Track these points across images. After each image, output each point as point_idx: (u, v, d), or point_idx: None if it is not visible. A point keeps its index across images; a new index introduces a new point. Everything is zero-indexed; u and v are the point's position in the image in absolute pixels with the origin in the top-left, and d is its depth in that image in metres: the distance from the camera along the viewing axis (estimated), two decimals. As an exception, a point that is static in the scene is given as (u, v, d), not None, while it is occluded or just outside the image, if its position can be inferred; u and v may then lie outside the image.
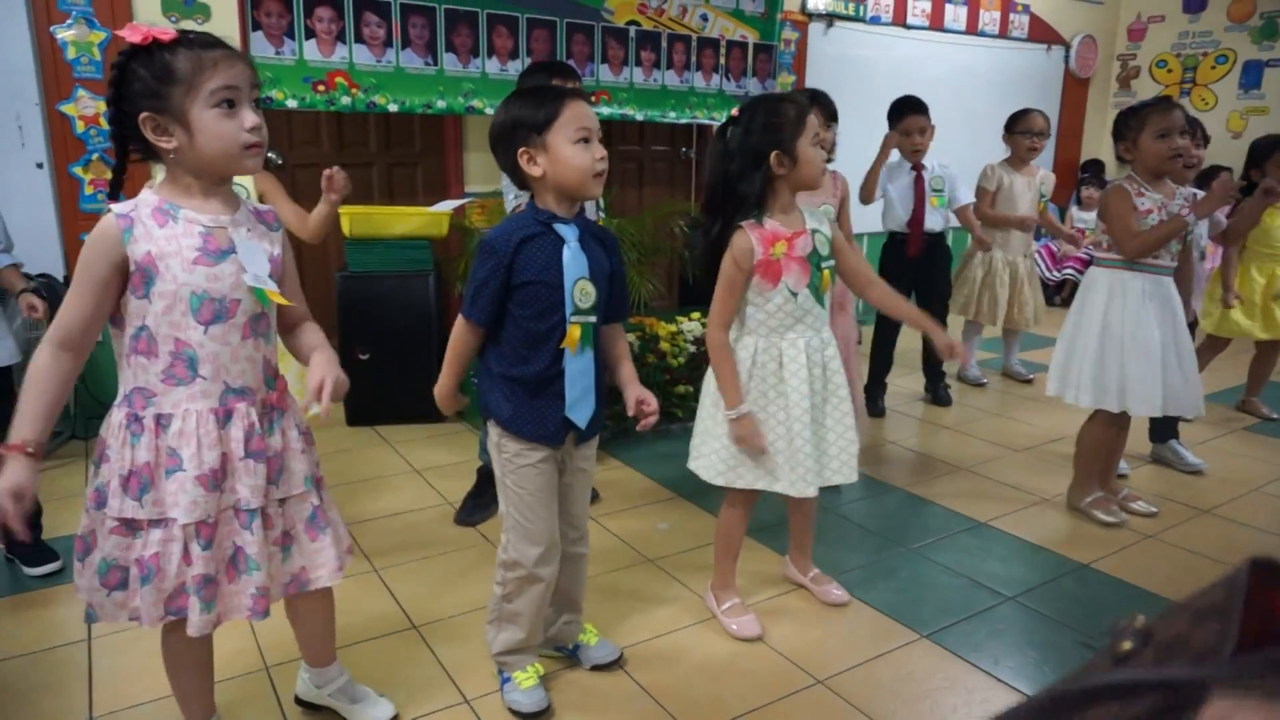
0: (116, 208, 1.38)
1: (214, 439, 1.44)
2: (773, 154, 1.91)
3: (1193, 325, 3.27)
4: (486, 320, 1.72)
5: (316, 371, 1.50)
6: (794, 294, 1.98)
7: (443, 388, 1.83)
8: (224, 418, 1.46)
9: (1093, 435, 2.84)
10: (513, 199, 2.59)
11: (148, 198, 1.40)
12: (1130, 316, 2.62)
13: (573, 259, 1.71)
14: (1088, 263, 2.97)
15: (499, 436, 1.80)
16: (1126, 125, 2.64)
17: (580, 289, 1.73)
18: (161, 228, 1.38)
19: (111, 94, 1.36)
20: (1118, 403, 2.66)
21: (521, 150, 1.67)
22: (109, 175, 3.62)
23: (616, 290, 1.84)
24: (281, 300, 1.50)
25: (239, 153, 1.39)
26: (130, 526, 1.43)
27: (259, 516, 1.49)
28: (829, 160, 2.70)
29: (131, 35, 1.34)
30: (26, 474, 1.34)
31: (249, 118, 1.38)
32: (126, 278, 1.38)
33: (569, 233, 1.72)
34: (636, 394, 1.86)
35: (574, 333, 1.73)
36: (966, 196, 4.06)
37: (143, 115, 1.34)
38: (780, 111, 1.92)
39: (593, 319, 1.76)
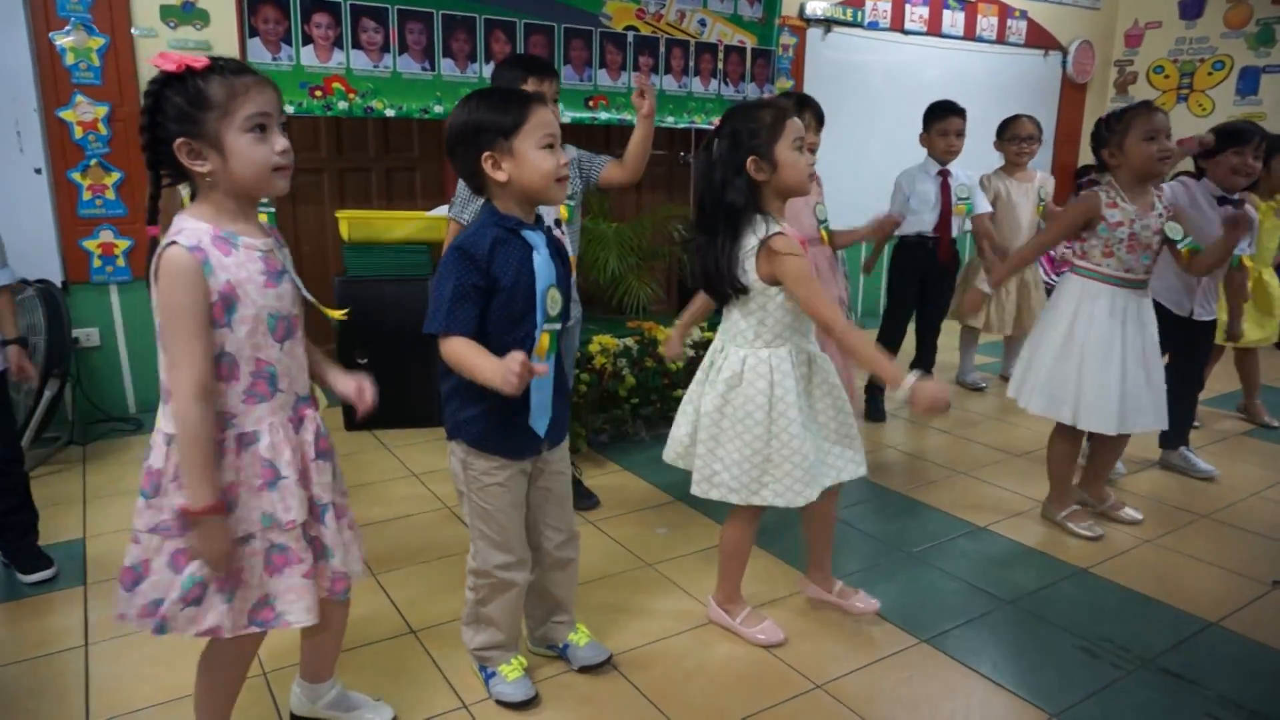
0: (184, 240, 1.37)
1: (297, 444, 1.52)
2: (749, 159, 1.88)
3: (1210, 325, 3.26)
4: (471, 328, 1.64)
5: (346, 378, 1.64)
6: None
7: (489, 369, 1.58)
8: (297, 425, 1.53)
9: (1056, 447, 2.83)
10: (468, 216, 2.52)
11: (198, 226, 1.41)
12: (1096, 328, 2.59)
13: (544, 265, 1.69)
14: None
15: (465, 454, 1.76)
16: (1109, 130, 2.62)
17: (551, 296, 1.71)
18: (228, 256, 1.41)
19: (146, 120, 1.39)
20: (1070, 414, 2.64)
21: (486, 154, 1.65)
22: (106, 181, 3.64)
23: (566, 298, 1.81)
24: (336, 314, 1.66)
25: (270, 175, 1.43)
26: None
27: (330, 509, 1.58)
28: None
29: (165, 64, 1.37)
30: (225, 534, 1.43)
31: (279, 142, 1.43)
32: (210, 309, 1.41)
33: (537, 239, 1.70)
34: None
35: (544, 341, 1.71)
36: (984, 206, 4.04)
37: (179, 141, 1.37)
38: (756, 117, 1.89)
39: (559, 326, 1.75)
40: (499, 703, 1.89)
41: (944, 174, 3.90)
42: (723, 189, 1.90)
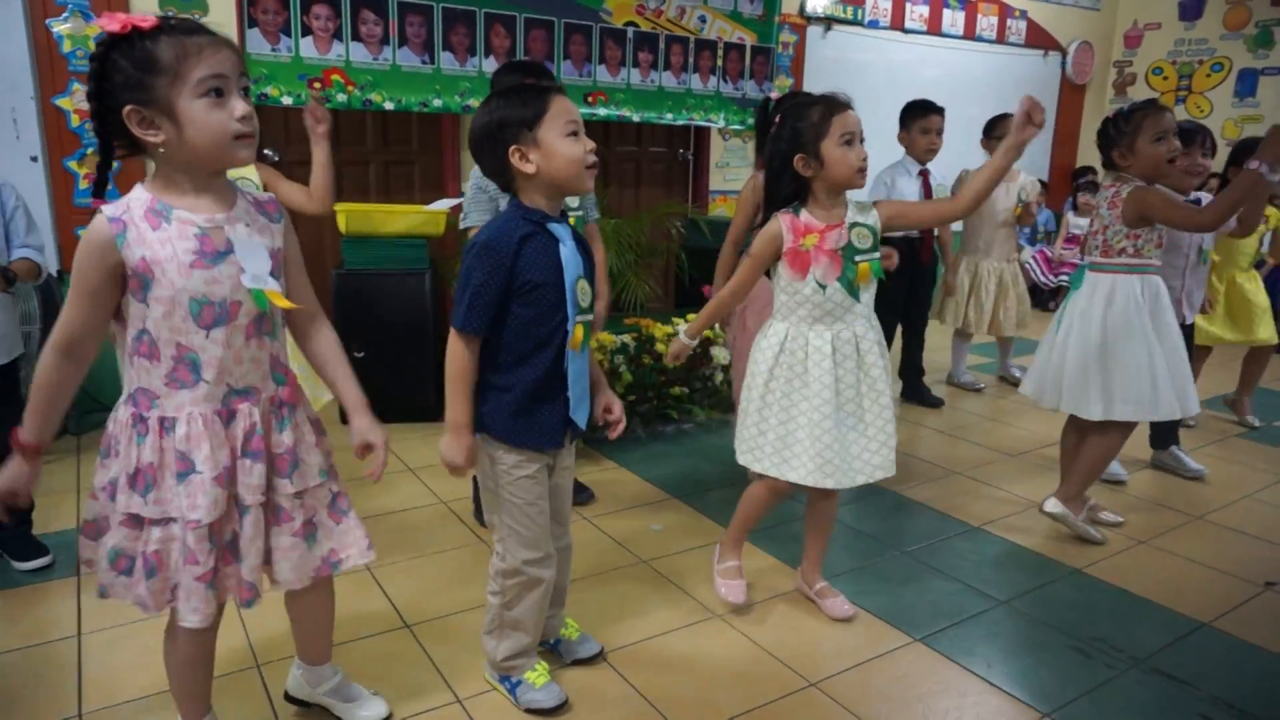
0: (107, 210, 1.33)
1: (222, 439, 1.44)
2: (797, 157, 1.98)
3: (1189, 328, 3.27)
4: (485, 328, 1.66)
5: (361, 434, 1.61)
6: (822, 286, 2.01)
7: (455, 424, 1.70)
8: (227, 418, 1.45)
9: (1105, 443, 2.74)
10: (474, 218, 2.52)
11: (140, 196, 1.36)
12: (1122, 320, 2.60)
13: (571, 257, 1.70)
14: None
15: (494, 449, 1.76)
16: (1119, 130, 2.60)
17: (580, 288, 1.72)
18: (155, 230, 1.33)
19: (93, 87, 1.29)
20: (1133, 412, 2.62)
21: (513, 148, 1.64)
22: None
23: (593, 289, 1.83)
24: (283, 303, 1.46)
25: (230, 143, 1.33)
26: (136, 521, 1.44)
27: (252, 512, 1.48)
28: None
29: (109, 24, 1.27)
30: (22, 471, 1.41)
31: (239, 106, 1.32)
32: (124, 280, 1.36)
33: (563, 231, 1.71)
34: (605, 401, 1.89)
35: (578, 333, 1.72)
36: None
37: (127, 108, 1.28)
38: (804, 115, 1.98)
39: (590, 317, 1.76)
40: (529, 711, 1.85)
41: (924, 173, 3.91)
42: (777, 181, 2.05)
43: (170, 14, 1.33)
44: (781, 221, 2.03)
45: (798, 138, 1.98)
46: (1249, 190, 2.49)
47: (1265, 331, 3.83)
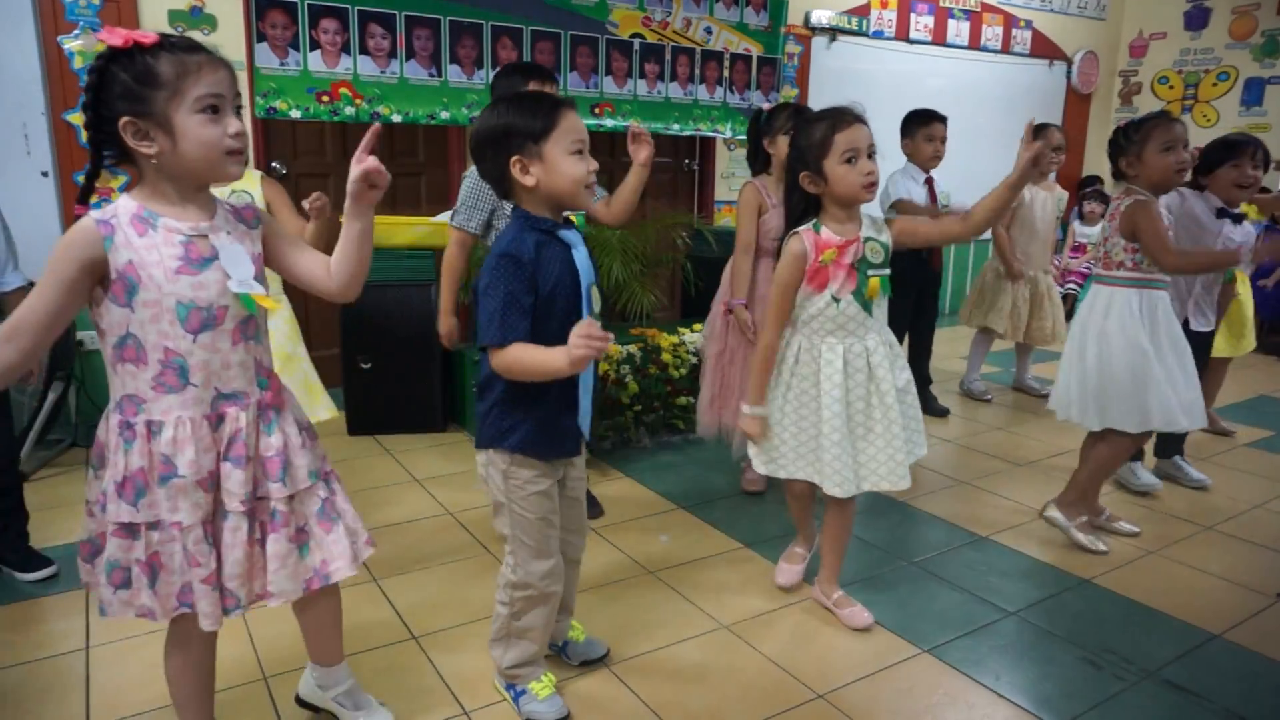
0: (96, 213, 1.36)
1: (209, 443, 1.45)
2: (802, 175, 2.02)
3: (1209, 336, 3.25)
4: (525, 335, 1.61)
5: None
6: (836, 300, 2.04)
7: (556, 362, 1.56)
8: (216, 423, 1.46)
9: (1109, 453, 2.75)
10: (462, 219, 2.53)
11: (126, 204, 1.39)
12: (1116, 333, 2.59)
13: (585, 262, 1.71)
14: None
15: (507, 464, 1.74)
16: (1128, 140, 2.61)
17: (593, 294, 1.73)
18: (141, 236, 1.36)
19: (89, 98, 1.33)
20: (1138, 422, 2.62)
21: (515, 158, 1.64)
22: (113, 185, 3.65)
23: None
24: (271, 304, 1.50)
25: (222, 158, 1.37)
26: (129, 530, 1.44)
27: (232, 519, 1.47)
28: None
29: (111, 38, 1.31)
30: None
31: (233, 124, 1.37)
32: (95, 283, 1.37)
33: (574, 238, 1.71)
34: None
35: None
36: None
37: (123, 120, 1.31)
38: (807, 134, 2.03)
39: (600, 323, 1.75)
40: None
41: (929, 181, 3.92)
42: (789, 196, 2.12)
43: (175, 31, 1.36)
44: (805, 240, 2.05)
45: (802, 156, 2.03)
46: (1222, 264, 2.57)
47: (1249, 341, 3.74)
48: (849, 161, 1.97)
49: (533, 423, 1.71)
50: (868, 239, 2.05)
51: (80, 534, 1.50)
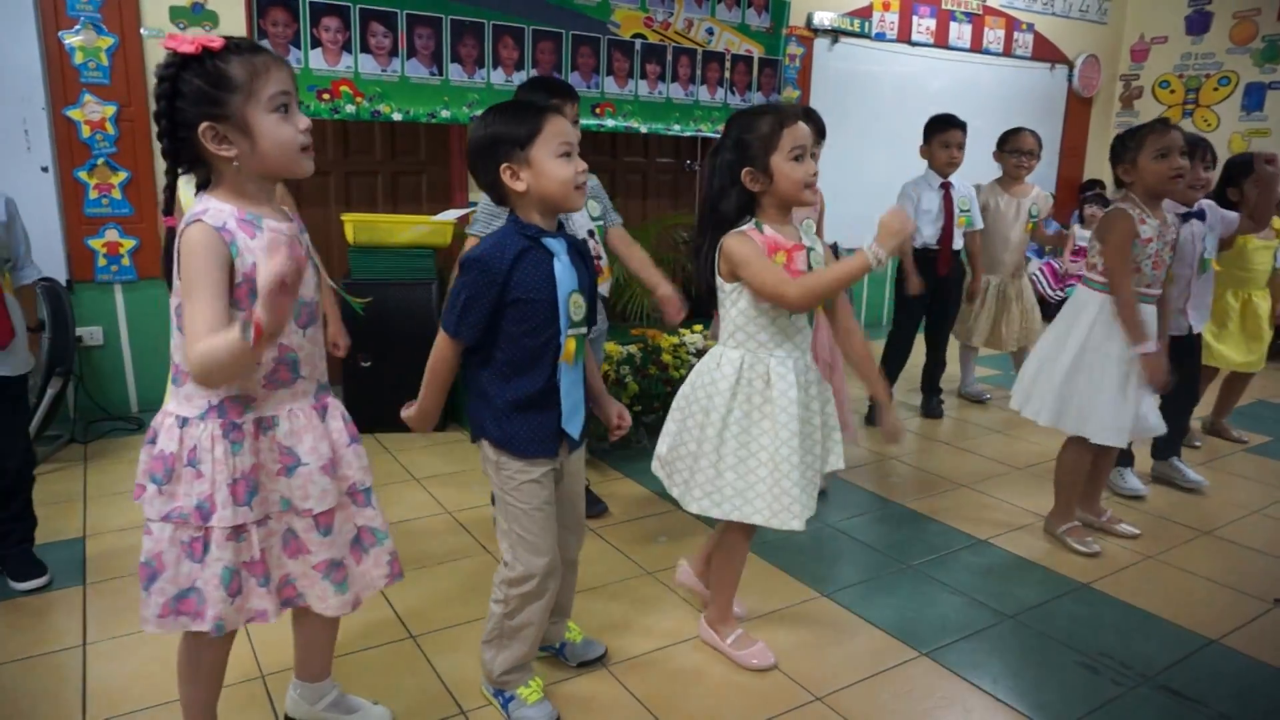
0: (209, 219, 1.33)
1: (322, 432, 1.51)
2: (744, 171, 1.86)
3: (1196, 338, 3.26)
4: (475, 339, 1.70)
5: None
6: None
7: (423, 411, 1.80)
8: (321, 412, 1.53)
9: (1066, 458, 2.82)
10: (479, 229, 2.53)
11: (223, 208, 1.37)
12: (1111, 343, 2.59)
13: (565, 272, 1.72)
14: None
15: (497, 456, 1.77)
16: (1124, 147, 2.63)
17: (574, 302, 1.73)
18: (253, 239, 1.38)
19: (163, 106, 1.33)
20: (1075, 425, 2.66)
21: (505, 166, 1.67)
22: (113, 180, 3.65)
23: (591, 303, 1.83)
24: (360, 301, 1.66)
25: (297, 155, 1.41)
26: (238, 531, 1.44)
27: (371, 493, 1.60)
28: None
29: (182, 45, 1.31)
30: None
31: (302, 120, 1.40)
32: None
33: (558, 246, 1.73)
34: (618, 409, 1.93)
35: (570, 346, 1.73)
36: (979, 223, 4.09)
37: (204, 126, 1.32)
38: (753, 126, 1.86)
39: (584, 330, 1.77)
40: None
41: (946, 186, 3.92)
42: (719, 198, 1.91)
43: (231, 37, 1.36)
44: (753, 238, 1.86)
45: (745, 150, 1.86)
46: (1140, 326, 2.54)
47: (1259, 358, 3.69)
48: (797, 159, 1.85)
49: (505, 420, 1.74)
50: (810, 249, 1.91)
51: (142, 554, 1.44)
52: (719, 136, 1.95)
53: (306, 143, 1.41)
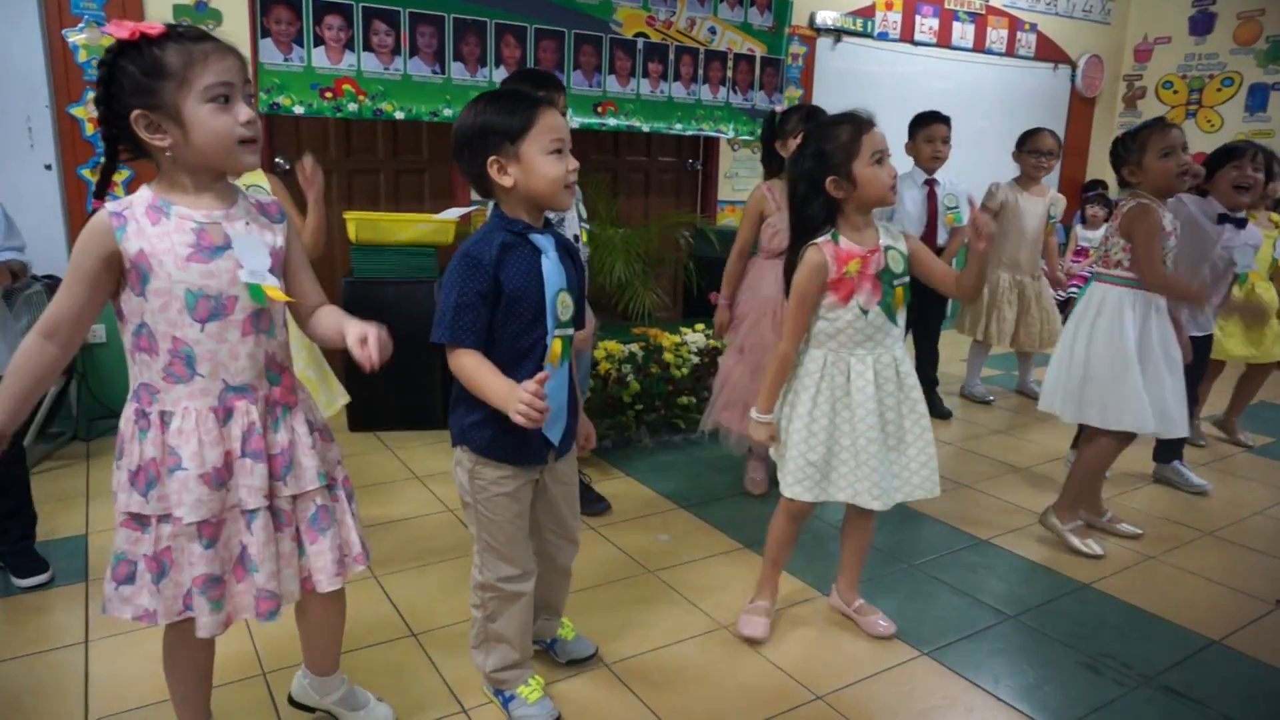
0: (110, 205, 1.36)
1: (215, 437, 1.42)
2: (828, 180, 1.94)
3: (1208, 339, 3.26)
4: (478, 340, 1.61)
5: (355, 329, 1.47)
6: (864, 311, 1.99)
7: (503, 394, 1.56)
8: (224, 416, 1.44)
9: (1093, 453, 2.79)
10: None
11: (142, 194, 1.39)
12: (1130, 334, 2.61)
13: (553, 269, 1.66)
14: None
15: (474, 464, 1.72)
16: (1126, 150, 2.66)
17: (561, 301, 1.67)
18: (154, 225, 1.36)
19: (100, 93, 1.33)
20: (1099, 418, 2.66)
21: (492, 159, 1.61)
22: (116, 178, 3.65)
23: (579, 303, 1.79)
24: (280, 296, 1.45)
25: (235, 147, 1.36)
26: (139, 521, 1.43)
27: (260, 516, 1.46)
28: None
29: (118, 31, 1.31)
30: None
31: (243, 112, 1.35)
32: (119, 274, 1.38)
33: (546, 243, 1.67)
34: (587, 430, 1.93)
35: (556, 346, 1.68)
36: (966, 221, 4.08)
37: (135, 113, 1.31)
38: (833, 136, 1.95)
39: (571, 331, 1.72)
40: None
41: (930, 183, 3.91)
42: (805, 204, 2.01)
43: (180, 23, 1.36)
44: (825, 251, 1.97)
45: (828, 160, 1.94)
46: (1191, 298, 2.75)
47: (1270, 349, 3.68)
48: (879, 162, 1.93)
49: (494, 423, 1.65)
50: (888, 247, 2.00)
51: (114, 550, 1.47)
52: (798, 145, 2.04)
53: (247, 135, 1.36)
